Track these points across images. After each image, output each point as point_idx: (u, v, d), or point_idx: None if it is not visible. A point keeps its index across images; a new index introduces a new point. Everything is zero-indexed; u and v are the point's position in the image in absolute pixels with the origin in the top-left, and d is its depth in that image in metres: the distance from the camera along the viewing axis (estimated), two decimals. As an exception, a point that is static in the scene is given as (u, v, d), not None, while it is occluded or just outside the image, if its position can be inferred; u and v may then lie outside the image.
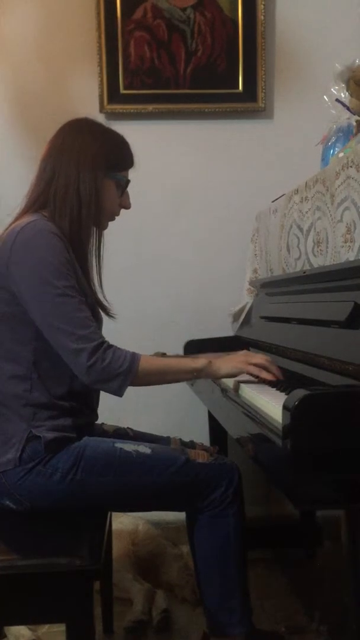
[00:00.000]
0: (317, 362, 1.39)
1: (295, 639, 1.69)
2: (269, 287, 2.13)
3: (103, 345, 1.39)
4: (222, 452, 1.80)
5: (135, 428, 1.74)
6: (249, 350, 1.90)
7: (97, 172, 1.50)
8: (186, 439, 1.69)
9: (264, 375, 1.46)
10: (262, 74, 2.48)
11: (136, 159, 1.59)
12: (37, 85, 2.48)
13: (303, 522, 2.03)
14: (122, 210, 1.61)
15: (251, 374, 1.52)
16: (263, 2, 2.45)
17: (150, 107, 2.49)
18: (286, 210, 1.94)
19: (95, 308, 1.55)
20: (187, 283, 2.56)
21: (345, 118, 1.84)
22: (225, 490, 1.47)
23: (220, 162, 2.54)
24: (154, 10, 2.45)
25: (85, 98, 2.47)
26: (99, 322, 1.54)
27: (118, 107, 2.48)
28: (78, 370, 1.39)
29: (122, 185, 1.57)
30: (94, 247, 1.58)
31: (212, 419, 2.28)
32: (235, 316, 2.38)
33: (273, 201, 2.12)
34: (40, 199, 1.50)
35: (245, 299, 2.39)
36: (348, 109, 1.84)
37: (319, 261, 1.70)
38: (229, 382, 1.62)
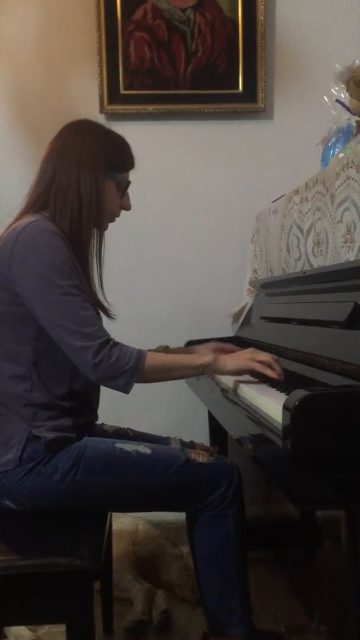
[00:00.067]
0: (317, 363, 1.39)
1: (295, 639, 1.69)
2: (269, 287, 2.13)
3: (109, 343, 1.39)
4: (222, 452, 1.80)
5: (136, 428, 1.74)
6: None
7: (98, 173, 1.50)
8: (186, 439, 1.69)
9: (269, 372, 1.46)
10: (262, 74, 2.49)
11: (136, 159, 1.59)
12: (37, 85, 2.48)
13: (303, 522, 2.04)
14: (122, 211, 1.61)
15: (255, 372, 1.52)
16: (263, 3, 2.45)
17: (150, 108, 2.49)
18: (286, 210, 1.94)
19: (95, 309, 1.55)
20: (187, 283, 2.56)
21: (345, 119, 1.84)
22: (225, 490, 1.47)
23: (220, 163, 2.55)
24: (154, 11, 2.45)
25: (85, 98, 2.47)
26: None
27: (118, 108, 2.48)
28: (84, 368, 1.40)
29: (123, 186, 1.57)
30: (94, 248, 1.58)
31: (212, 419, 2.28)
32: (235, 316, 2.38)
33: (273, 202, 2.12)
34: (41, 200, 1.50)
35: (245, 299, 2.39)
36: (348, 109, 1.84)
37: (319, 262, 1.70)
38: (229, 382, 1.62)
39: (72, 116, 1.58)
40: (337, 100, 1.86)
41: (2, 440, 1.44)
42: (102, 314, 1.59)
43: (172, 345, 1.87)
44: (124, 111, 2.48)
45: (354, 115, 1.82)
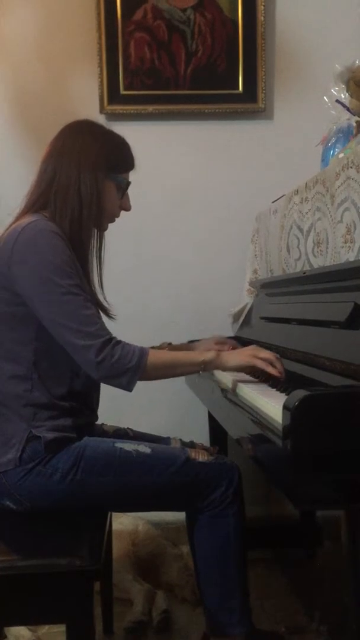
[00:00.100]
0: (317, 363, 1.39)
1: (295, 639, 1.69)
2: (269, 287, 2.13)
3: (112, 342, 1.39)
4: (222, 452, 1.80)
5: (136, 428, 1.74)
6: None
7: (98, 173, 1.50)
8: (186, 439, 1.69)
9: (270, 370, 1.46)
10: (262, 74, 2.49)
11: (136, 159, 1.59)
12: (37, 85, 2.48)
13: (303, 522, 2.03)
14: (122, 212, 1.61)
15: (256, 369, 1.52)
16: (263, 3, 2.45)
17: (150, 108, 2.49)
18: (286, 210, 1.94)
19: (95, 308, 1.55)
20: (187, 283, 2.56)
21: (345, 119, 1.84)
22: (225, 490, 1.47)
23: (220, 163, 2.55)
24: (154, 11, 2.45)
25: (85, 98, 2.47)
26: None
27: (118, 108, 2.48)
28: (87, 367, 1.40)
29: (123, 187, 1.57)
30: (94, 248, 1.58)
31: (212, 419, 2.28)
32: (235, 317, 2.38)
33: (273, 202, 2.12)
34: (41, 200, 1.50)
35: (245, 299, 2.39)
36: (348, 109, 1.84)
37: (319, 262, 1.70)
38: (229, 382, 1.62)
39: (72, 116, 1.58)
40: (337, 101, 1.86)
41: (2, 440, 1.44)
42: (102, 314, 1.59)
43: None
44: (124, 111, 2.48)
45: (354, 115, 1.82)
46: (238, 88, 2.49)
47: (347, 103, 1.85)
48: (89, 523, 1.43)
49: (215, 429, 2.27)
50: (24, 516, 1.43)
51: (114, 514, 1.97)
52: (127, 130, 1.63)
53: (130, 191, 1.60)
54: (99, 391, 1.61)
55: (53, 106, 2.44)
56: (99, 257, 1.60)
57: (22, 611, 1.32)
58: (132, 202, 1.62)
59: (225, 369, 1.56)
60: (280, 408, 1.05)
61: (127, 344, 1.42)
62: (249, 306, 2.32)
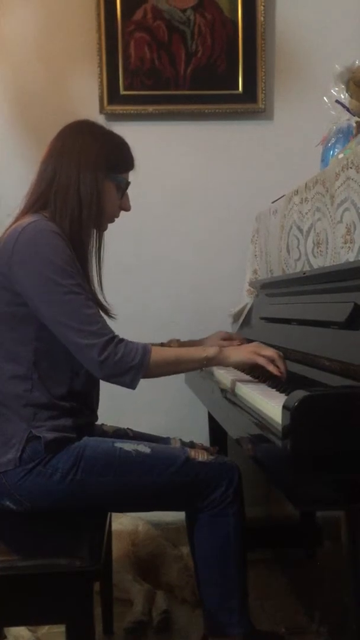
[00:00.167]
0: (317, 363, 1.39)
1: (295, 640, 1.69)
2: (268, 287, 2.13)
3: (114, 340, 1.40)
4: (222, 452, 1.80)
5: (136, 428, 1.74)
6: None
7: (98, 173, 1.50)
8: (186, 439, 1.69)
9: (271, 368, 1.46)
10: (262, 74, 2.49)
11: (136, 160, 1.59)
12: (37, 85, 2.48)
13: (303, 523, 2.03)
14: (122, 212, 1.61)
15: (258, 367, 1.52)
16: (263, 3, 2.45)
17: (150, 108, 2.49)
18: (286, 211, 1.94)
19: (97, 308, 1.55)
20: (187, 284, 2.56)
21: (345, 119, 1.84)
22: (225, 490, 1.47)
23: (220, 163, 2.55)
24: (154, 11, 2.45)
25: (85, 98, 2.47)
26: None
27: (118, 108, 2.48)
28: (90, 366, 1.40)
29: (122, 187, 1.57)
30: (94, 248, 1.58)
31: (212, 419, 2.28)
32: (235, 317, 2.38)
33: (273, 202, 2.12)
34: (41, 200, 1.50)
35: (245, 299, 2.39)
36: (348, 110, 1.84)
37: (319, 262, 1.70)
38: (228, 382, 1.62)
39: (72, 116, 1.58)
40: (337, 101, 1.86)
41: (2, 440, 1.44)
42: (102, 313, 1.59)
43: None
44: (124, 112, 2.48)
45: (354, 115, 1.82)
46: (238, 88, 2.49)
47: (347, 103, 1.85)
48: (89, 523, 1.43)
49: (215, 429, 2.27)
50: (24, 516, 1.43)
51: (113, 514, 1.97)
52: (127, 131, 1.63)
53: (130, 191, 1.60)
54: (98, 391, 1.61)
55: (53, 106, 2.44)
56: (99, 257, 1.60)
57: (22, 611, 1.32)
58: (132, 202, 1.62)
59: (227, 364, 1.56)
60: (280, 408, 1.05)
61: (130, 342, 1.43)
62: (249, 306, 2.32)
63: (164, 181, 2.52)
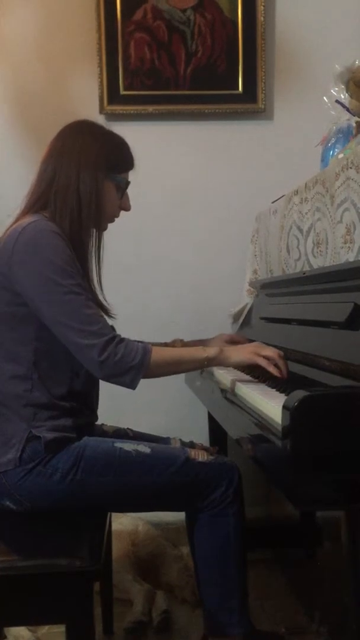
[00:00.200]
0: (316, 363, 1.39)
1: (295, 640, 1.69)
2: (268, 287, 2.13)
3: (115, 340, 1.40)
4: (222, 452, 1.80)
5: (136, 428, 1.74)
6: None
7: (98, 173, 1.50)
8: (186, 439, 1.69)
9: (272, 369, 1.46)
10: (262, 74, 2.49)
11: (136, 160, 1.59)
12: (37, 85, 2.48)
13: (303, 523, 2.03)
14: (122, 212, 1.61)
15: (257, 367, 1.52)
16: (263, 3, 2.45)
17: (150, 108, 2.49)
18: (286, 211, 1.94)
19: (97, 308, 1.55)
20: (187, 284, 2.56)
21: (345, 119, 1.84)
22: (225, 490, 1.47)
23: (220, 163, 2.55)
24: (154, 12, 2.45)
25: (85, 99, 2.47)
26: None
27: (118, 108, 2.48)
28: (91, 366, 1.40)
29: (122, 187, 1.57)
30: (93, 248, 1.58)
31: (211, 419, 2.28)
32: (235, 317, 2.38)
33: (273, 202, 2.12)
34: (41, 200, 1.50)
35: (245, 299, 2.39)
36: (348, 110, 1.84)
37: (319, 262, 1.70)
38: (228, 382, 1.62)
39: (72, 116, 1.58)
40: (337, 101, 1.86)
41: (2, 440, 1.44)
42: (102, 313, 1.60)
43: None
44: (124, 112, 2.48)
45: (354, 115, 1.82)
46: (238, 88, 2.49)
47: (346, 103, 1.85)
48: (89, 523, 1.43)
49: (215, 429, 2.27)
50: (24, 516, 1.43)
51: (114, 514, 1.97)
52: (127, 131, 1.63)
53: (130, 191, 1.60)
54: (98, 391, 1.61)
55: (53, 106, 2.44)
56: (98, 257, 1.60)
57: (22, 611, 1.32)
58: (132, 202, 1.61)
59: (227, 365, 1.56)
60: (280, 408, 1.05)
61: (130, 341, 1.43)
62: (249, 306, 2.32)
63: (164, 181, 2.52)
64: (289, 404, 1.01)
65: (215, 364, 1.54)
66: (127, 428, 1.73)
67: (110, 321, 1.61)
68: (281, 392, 1.38)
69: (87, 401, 1.55)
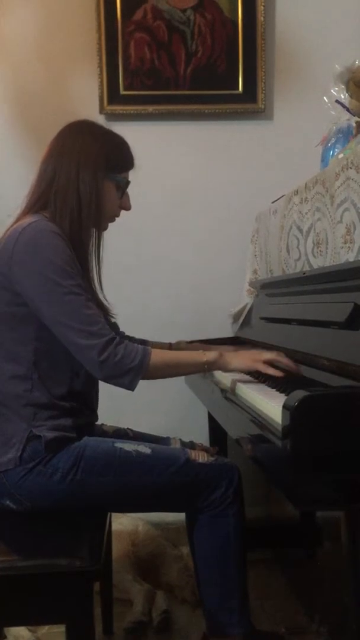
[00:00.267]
0: (316, 363, 1.39)
1: (295, 640, 1.69)
2: (268, 288, 2.13)
3: (114, 341, 1.40)
4: (222, 453, 1.81)
5: (136, 428, 1.74)
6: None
7: (98, 173, 1.50)
8: (186, 439, 1.69)
9: (271, 372, 1.47)
10: (262, 74, 2.49)
11: (136, 159, 1.59)
12: (37, 85, 2.48)
13: (303, 523, 2.03)
14: (122, 211, 1.61)
15: (257, 372, 1.52)
16: (263, 3, 2.45)
17: (150, 108, 2.49)
18: (286, 211, 1.94)
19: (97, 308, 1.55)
20: (187, 284, 2.56)
21: (345, 119, 1.84)
22: (225, 490, 1.47)
23: (220, 163, 2.55)
24: (154, 12, 2.45)
25: (85, 98, 2.47)
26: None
27: (118, 108, 2.48)
28: (90, 366, 1.40)
29: (122, 186, 1.57)
30: (93, 248, 1.58)
31: (211, 419, 2.28)
32: (235, 317, 2.38)
33: (273, 202, 2.12)
34: (41, 200, 1.50)
35: (245, 299, 2.39)
36: (348, 110, 1.84)
37: (319, 262, 1.70)
38: (228, 383, 1.62)
39: (72, 116, 1.58)
40: (337, 101, 1.86)
41: (3, 440, 1.44)
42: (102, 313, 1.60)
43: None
44: (124, 112, 2.48)
45: (354, 115, 1.82)
46: (238, 88, 2.49)
47: (346, 103, 1.85)
48: (89, 523, 1.43)
49: (215, 429, 2.27)
50: (24, 516, 1.43)
51: (114, 514, 1.97)
52: (127, 131, 1.63)
53: (130, 191, 1.60)
54: (98, 391, 1.61)
55: (53, 106, 2.44)
56: (98, 257, 1.60)
57: (22, 611, 1.32)
58: (132, 202, 1.61)
59: (227, 370, 1.57)
60: (280, 408, 1.05)
61: (130, 343, 1.43)
62: (249, 306, 2.32)
63: (164, 181, 2.52)
64: (289, 404, 1.01)
65: (215, 368, 1.54)
66: (127, 428, 1.73)
67: (112, 319, 1.61)
68: (281, 392, 1.38)
69: (87, 401, 1.55)
